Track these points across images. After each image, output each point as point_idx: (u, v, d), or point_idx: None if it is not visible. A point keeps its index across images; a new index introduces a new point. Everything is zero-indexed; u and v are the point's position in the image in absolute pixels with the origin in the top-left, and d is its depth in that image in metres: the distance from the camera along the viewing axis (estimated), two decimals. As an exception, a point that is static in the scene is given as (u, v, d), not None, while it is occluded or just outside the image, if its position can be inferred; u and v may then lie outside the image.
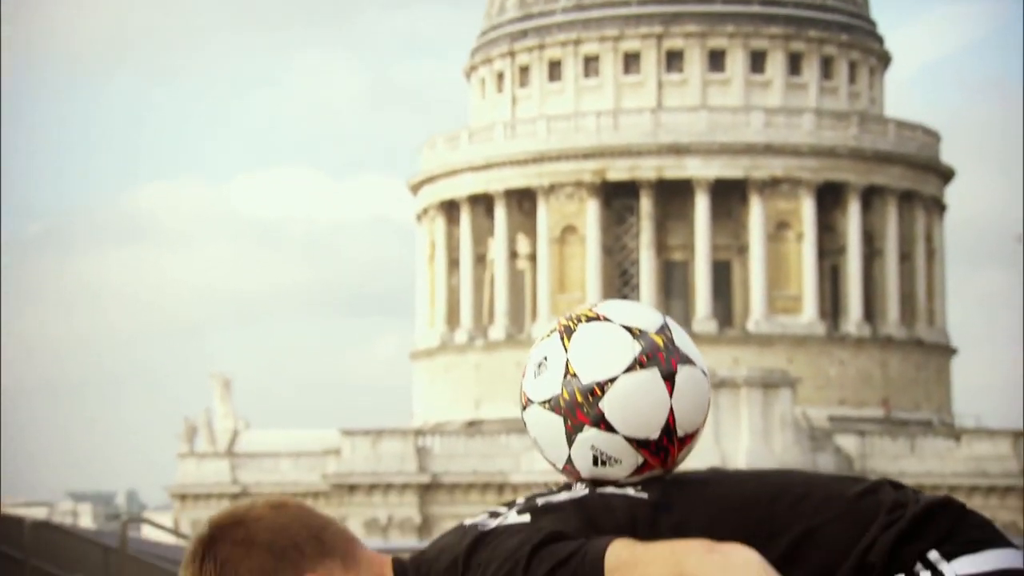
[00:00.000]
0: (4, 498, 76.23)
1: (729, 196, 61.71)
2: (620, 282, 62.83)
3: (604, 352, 2.25)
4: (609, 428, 2.24)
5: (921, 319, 64.40)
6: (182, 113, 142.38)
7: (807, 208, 61.72)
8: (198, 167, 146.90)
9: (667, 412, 2.24)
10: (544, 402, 2.28)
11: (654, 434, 2.24)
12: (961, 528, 2.11)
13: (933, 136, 65.77)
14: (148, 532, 32.43)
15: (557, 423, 2.26)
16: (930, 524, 2.11)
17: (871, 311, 63.21)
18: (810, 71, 63.61)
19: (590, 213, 62.15)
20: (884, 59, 66.53)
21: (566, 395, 2.26)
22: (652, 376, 2.24)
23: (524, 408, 2.36)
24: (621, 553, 2.06)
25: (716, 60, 63.06)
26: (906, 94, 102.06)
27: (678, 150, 61.41)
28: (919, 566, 2.10)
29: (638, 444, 2.24)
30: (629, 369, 2.23)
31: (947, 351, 65.79)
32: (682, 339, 2.30)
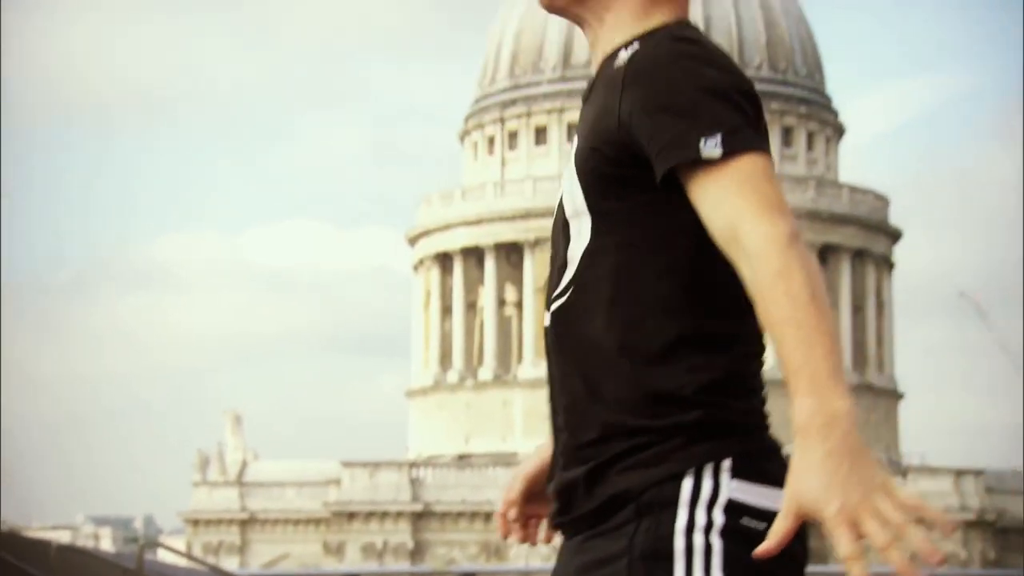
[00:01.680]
0: (32, 522, 76.15)
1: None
2: (598, 329, 63.44)
3: None
4: None
5: (871, 366, 64.59)
6: (198, 168, 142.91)
7: (767, 264, 62.54)
8: (213, 219, 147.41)
9: None
10: None
11: None
12: None
13: (883, 200, 66.06)
14: (163, 555, 32.48)
15: None
16: None
17: (824, 359, 63.90)
18: (772, 139, 63.85)
19: (571, 266, 63.01)
20: (839, 130, 67.04)
21: None
22: None
23: None
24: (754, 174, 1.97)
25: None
26: (859, 161, 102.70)
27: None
28: None
29: None
30: None
31: (895, 396, 65.97)
32: None
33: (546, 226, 63.98)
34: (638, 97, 2.00)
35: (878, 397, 64.06)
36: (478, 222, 63.41)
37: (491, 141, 66.10)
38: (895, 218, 66.48)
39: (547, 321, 2.10)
